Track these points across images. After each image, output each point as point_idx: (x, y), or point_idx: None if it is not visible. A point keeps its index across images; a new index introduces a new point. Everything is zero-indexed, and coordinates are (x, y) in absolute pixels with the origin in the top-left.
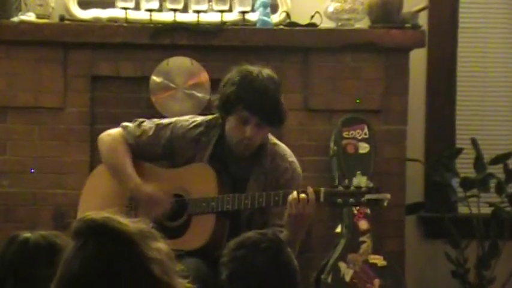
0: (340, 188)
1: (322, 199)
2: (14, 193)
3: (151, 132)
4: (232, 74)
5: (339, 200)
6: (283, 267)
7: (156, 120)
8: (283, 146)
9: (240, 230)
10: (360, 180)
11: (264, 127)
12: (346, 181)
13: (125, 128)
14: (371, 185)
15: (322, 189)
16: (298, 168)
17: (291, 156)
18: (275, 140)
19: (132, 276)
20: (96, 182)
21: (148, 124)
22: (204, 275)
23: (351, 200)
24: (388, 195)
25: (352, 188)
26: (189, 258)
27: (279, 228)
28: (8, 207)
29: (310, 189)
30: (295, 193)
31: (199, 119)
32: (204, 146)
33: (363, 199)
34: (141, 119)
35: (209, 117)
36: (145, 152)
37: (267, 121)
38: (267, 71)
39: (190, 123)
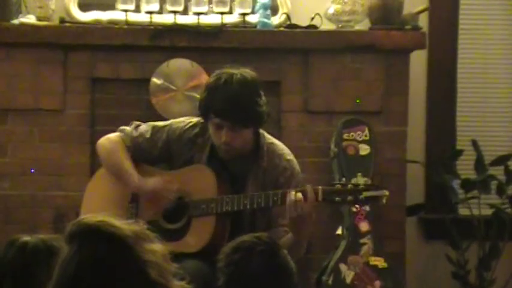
0: (338, 186)
1: (320, 198)
2: (14, 195)
3: (148, 135)
4: (209, 80)
5: (337, 198)
6: (279, 270)
7: (152, 123)
8: (280, 145)
9: (244, 231)
10: (359, 181)
11: (239, 130)
12: (344, 179)
13: (122, 131)
14: (369, 182)
15: (320, 187)
16: (297, 166)
17: (289, 155)
18: (272, 139)
19: (127, 279)
20: (98, 186)
21: (145, 127)
22: (205, 277)
23: (349, 197)
24: (387, 192)
25: (350, 185)
26: (190, 260)
27: (283, 229)
28: (8, 209)
29: (309, 188)
30: (293, 194)
31: (195, 120)
32: (201, 147)
33: (361, 196)
34: (137, 122)
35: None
36: (143, 155)
37: (240, 124)
38: (239, 75)
39: (186, 125)
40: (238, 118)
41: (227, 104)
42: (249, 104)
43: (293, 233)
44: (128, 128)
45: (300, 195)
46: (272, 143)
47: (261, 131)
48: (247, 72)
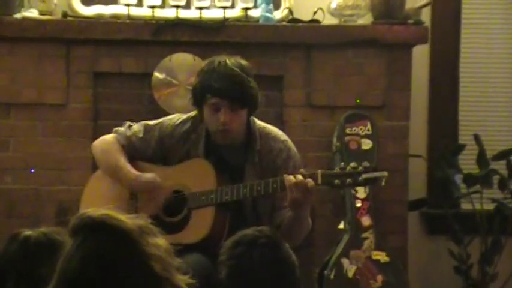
0: (337, 169)
1: (319, 181)
2: (17, 189)
3: (141, 135)
4: (201, 67)
5: (337, 181)
6: (281, 263)
7: (144, 122)
8: (272, 128)
9: (247, 217)
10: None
11: (237, 110)
12: (343, 163)
13: (116, 132)
14: (367, 165)
15: (319, 171)
16: (293, 146)
17: (282, 136)
18: (264, 124)
19: (131, 273)
20: (96, 186)
21: (138, 127)
22: (206, 271)
23: (349, 180)
24: (385, 173)
25: (348, 168)
26: (191, 254)
27: (286, 210)
28: (12, 204)
29: (308, 172)
30: (292, 178)
31: (185, 116)
32: (195, 142)
33: (360, 178)
34: (130, 122)
35: (193, 113)
36: (138, 154)
37: (238, 102)
38: (233, 59)
39: (177, 121)
40: (236, 96)
41: (225, 82)
42: (245, 83)
43: (294, 213)
44: (121, 129)
45: (299, 179)
46: (264, 127)
47: (252, 117)
48: (238, 58)
